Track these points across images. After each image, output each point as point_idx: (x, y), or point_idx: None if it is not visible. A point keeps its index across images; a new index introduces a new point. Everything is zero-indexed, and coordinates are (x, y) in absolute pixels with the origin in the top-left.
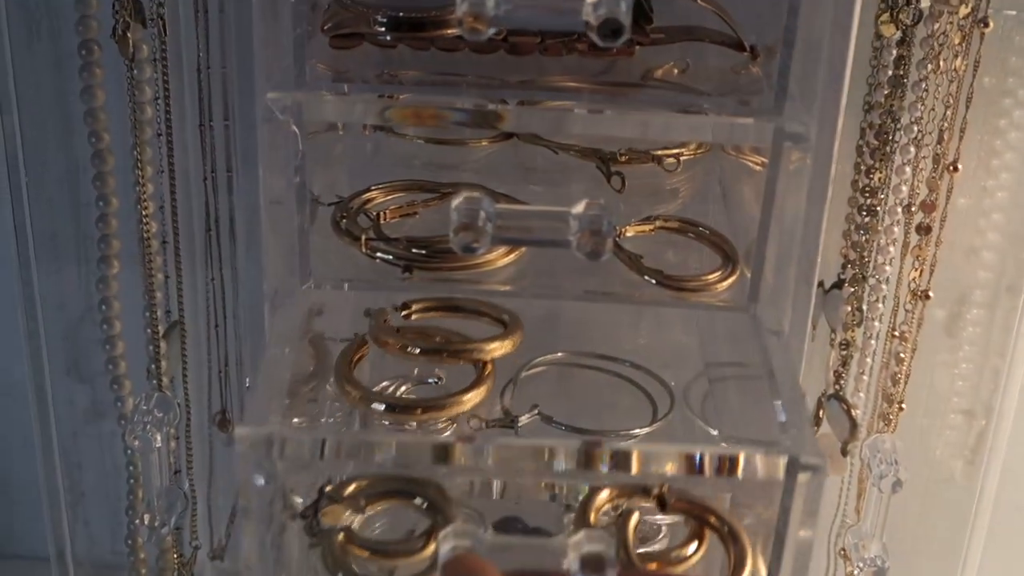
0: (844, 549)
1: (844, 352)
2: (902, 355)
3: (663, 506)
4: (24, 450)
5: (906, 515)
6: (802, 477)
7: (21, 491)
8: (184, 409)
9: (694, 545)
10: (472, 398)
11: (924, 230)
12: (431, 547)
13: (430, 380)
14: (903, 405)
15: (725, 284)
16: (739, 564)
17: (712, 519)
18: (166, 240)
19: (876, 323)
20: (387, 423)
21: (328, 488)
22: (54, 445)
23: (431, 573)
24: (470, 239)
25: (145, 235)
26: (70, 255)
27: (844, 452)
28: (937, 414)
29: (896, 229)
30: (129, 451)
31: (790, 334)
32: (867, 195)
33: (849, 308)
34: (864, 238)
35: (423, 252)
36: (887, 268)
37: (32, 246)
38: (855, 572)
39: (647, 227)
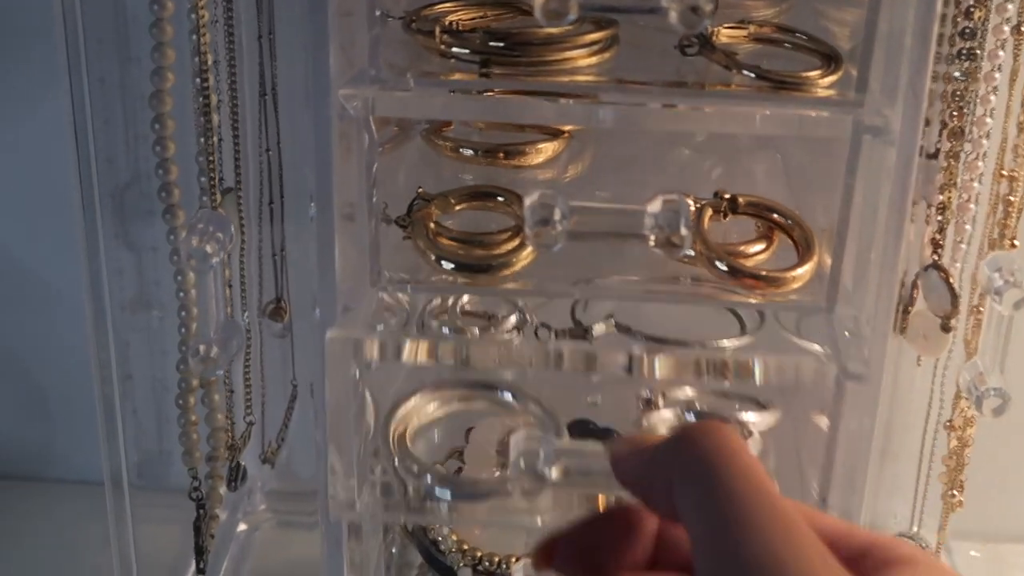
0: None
1: (940, 217)
2: (1012, 197)
3: (734, 208)
4: (62, 362)
5: None
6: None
7: (61, 408)
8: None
9: (762, 244)
10: None
11: None
12: (514, 242)
13: None
14: (1015, 243)
15: (827, 81)
16: (806, 254)
17: (779, 219)
18: (220, 99)
19: (976, 184)
20: None
21: (420, 190)
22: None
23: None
24: None
25: (204, 87)
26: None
27: (945, 328)
28: None
29: (1001, 54)
30: (179, 275)
31: None
32: None
33: (946, 166)
34: (964, 86)
35: (501, 45)
36: (990, 101)
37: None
38: (973, 409)
39: (741, 32)
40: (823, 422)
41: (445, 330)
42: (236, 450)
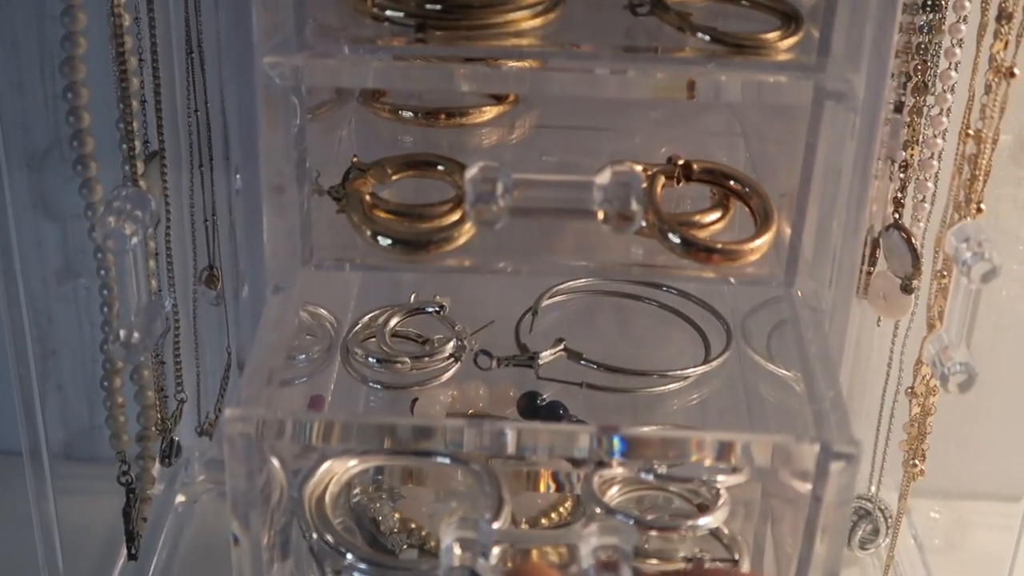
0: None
1: (903, 175)
2: (979, 159)
3: (688, 175)
4: None
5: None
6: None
7: None
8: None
9: (718, 213)
10: None
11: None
12: (456, 214)
13: None
14: (982, 206)
15: (787, 43)
16: (764, 224)
17: (736, 186)
18: (142, 59)
19: (939, 140)
20: None
21: (355, 159)
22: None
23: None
24: None
25: (120, 51)
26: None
27: (906, 289)
28: None
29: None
30: (99, 253)
31: None
32: None
33: (909, 122)
34: (928, 39)
35: (438, 7)
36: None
37: None
38: (938, 382)
39: None
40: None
41: (372, 360)
42: (168, 429)
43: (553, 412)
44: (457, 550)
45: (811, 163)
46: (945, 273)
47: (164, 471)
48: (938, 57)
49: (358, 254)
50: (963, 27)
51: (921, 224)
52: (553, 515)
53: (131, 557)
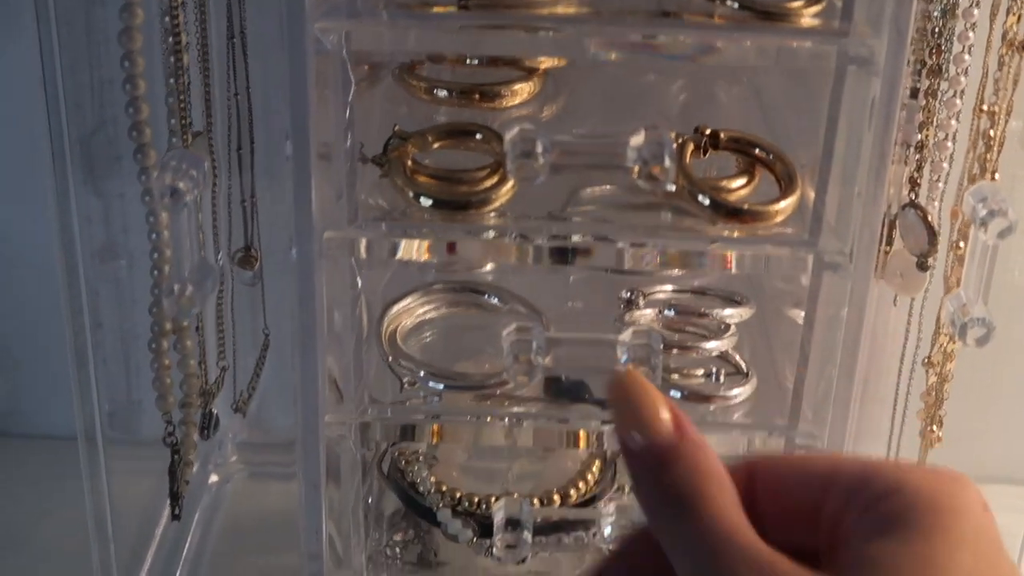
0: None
1: (919, 156)
2: (992, 132)
3: (715, 144)
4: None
5: None
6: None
7: (27, 364)
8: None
9: (743, 179)
10: None
11: None
12: (493, 179)
13: None
14: (996, 176)
15: (811, 11)
16: (788, 188)
17: (761, 154)
18: (189, 42)
19: (953, 122)
20: None
21: (396, 128)
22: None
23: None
24: None
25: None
26: None
27: (922, 266)
28: None
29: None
30: (151, 216)
31: None
32: None
33: (924, 105)
34: (942, 23)
35: None
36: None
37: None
38: (954, 342)
39: None
40: (798, 315)
41: None
42: (210, 396)
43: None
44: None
45: (834, 128)
46: (959, 245)
47: (199, 449)
48: (951, 42)
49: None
50: (976, 11)
51: (936, 203)
52: (580, 483)
53: (174, 517)
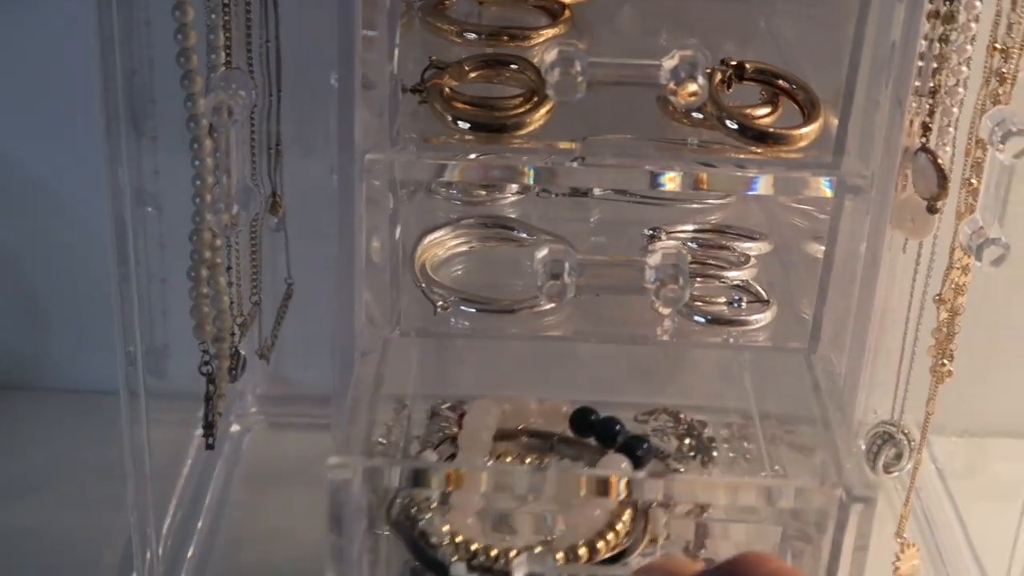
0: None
1: (931, 102)
2: (1004, 70)
3: (741, 76)
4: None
5: None
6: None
7: (56, 317)
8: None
9: (768, 108)
10: None
11: None
12: (528, 104)
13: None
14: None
15: None
16: (812, 114)
17: (785, 84)
18: None
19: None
20: None
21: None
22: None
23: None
24: None
25: None
26: None
27: (932, 209)
28: None
29: None
30: (195, 143)
31: None
32: None
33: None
34: None
35: None
36: None
37: None
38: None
39: None
40: (817, 250)
41: (452, 191)
42: (244, 328)
43: (608, 429)
44: None
45: (858, 53)
46: (972, 181)
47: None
48: None
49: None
50: None
51: (947, 148)
52: (610, 535)
53: (208, 447)
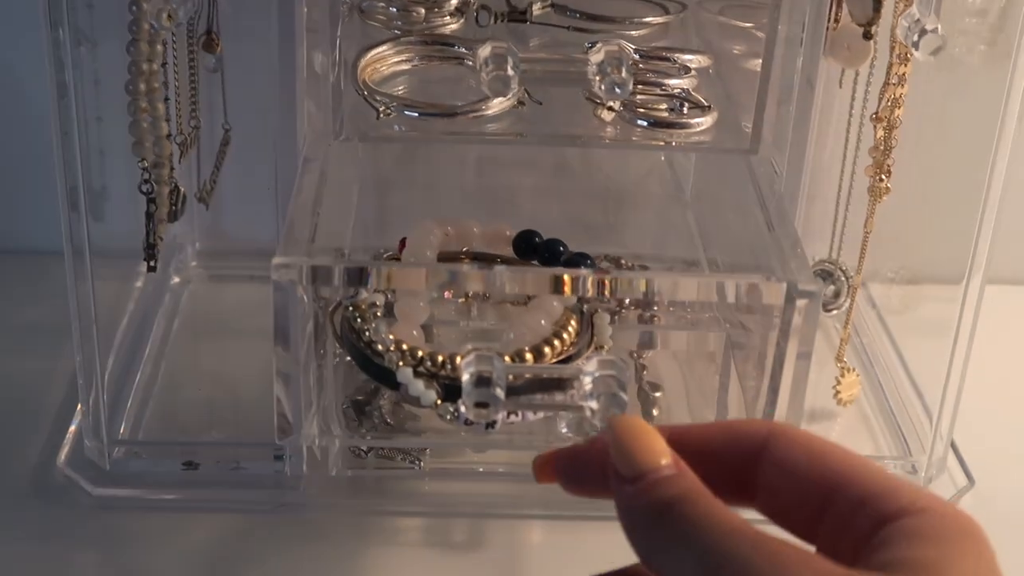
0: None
1: None
2: None
3: None
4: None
5: None
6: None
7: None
8: None
9: None
10: None
11: None
12: None
13: None
14: None
15: None
16: None
17: None
18: None
19: None
20: None
21: None
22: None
23: None
24: None
25: None
26: None
27: (867, 35)
28: None
29: None
30: None
31: None
32: None
33: None
34: None
35: None
36: None
37: None
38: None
39: None
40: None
41: (392, 9)
42: (186, 146)
43: (552, 250)
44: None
45: None
46: None
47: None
48: None
49: None
50: None
51: None
52: (556, 342)
53: (150, 269)
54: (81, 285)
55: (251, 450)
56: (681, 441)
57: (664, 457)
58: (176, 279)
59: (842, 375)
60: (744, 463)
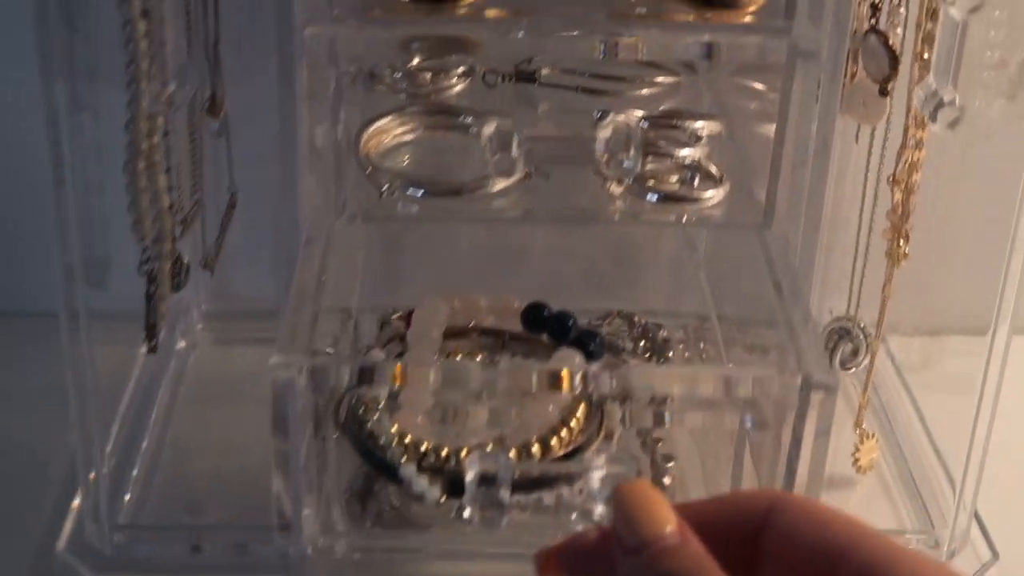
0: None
1: None
2: None
3: None
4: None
5: None
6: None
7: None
8: None
9: None
10: None
11: None
12: None
13: None
14: None
15: None
16: None
17: None
18: None
19: None
20: None
21: None
22: None
23: None
24: None
25: None
26: None
27: (884, 91)
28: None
29: None
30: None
31: None
32: None
33: None
34: None
35: None
36: None
37: None
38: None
39: None
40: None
41: (397, 75)
42: (187, 224)
43: (561, 324)
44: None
45: None
46: (924, 55)
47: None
48: None
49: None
50: None
51: (899, 31)
52: (564, 432)
53: (150, 350)
54: (78, 359)
55: (258, 532)
56: (683, 514)
57: (669, 524)
58: (182, 343)
59: (861, 441)
60: (749, 533)
